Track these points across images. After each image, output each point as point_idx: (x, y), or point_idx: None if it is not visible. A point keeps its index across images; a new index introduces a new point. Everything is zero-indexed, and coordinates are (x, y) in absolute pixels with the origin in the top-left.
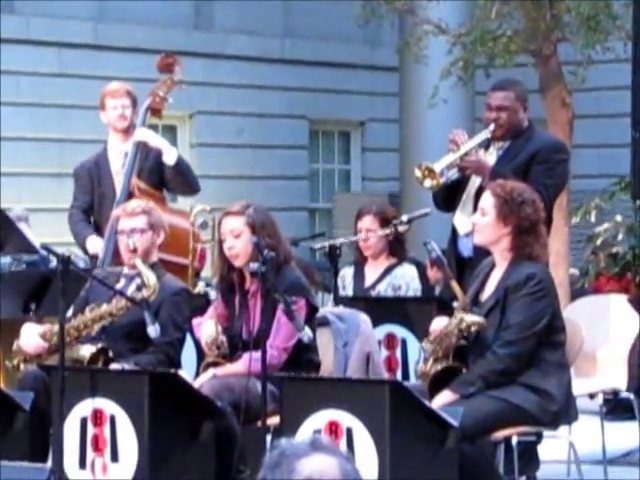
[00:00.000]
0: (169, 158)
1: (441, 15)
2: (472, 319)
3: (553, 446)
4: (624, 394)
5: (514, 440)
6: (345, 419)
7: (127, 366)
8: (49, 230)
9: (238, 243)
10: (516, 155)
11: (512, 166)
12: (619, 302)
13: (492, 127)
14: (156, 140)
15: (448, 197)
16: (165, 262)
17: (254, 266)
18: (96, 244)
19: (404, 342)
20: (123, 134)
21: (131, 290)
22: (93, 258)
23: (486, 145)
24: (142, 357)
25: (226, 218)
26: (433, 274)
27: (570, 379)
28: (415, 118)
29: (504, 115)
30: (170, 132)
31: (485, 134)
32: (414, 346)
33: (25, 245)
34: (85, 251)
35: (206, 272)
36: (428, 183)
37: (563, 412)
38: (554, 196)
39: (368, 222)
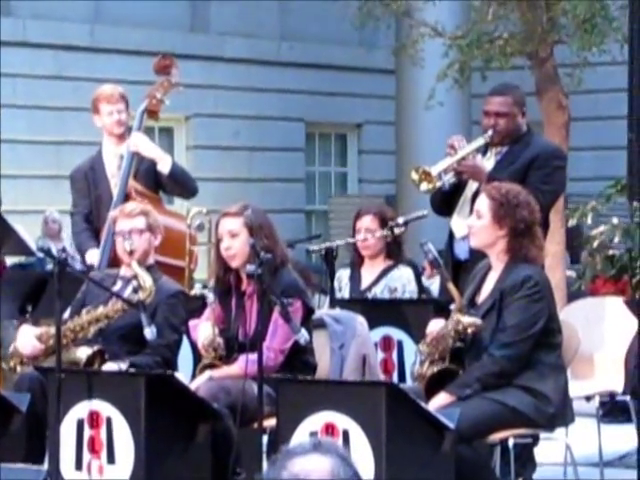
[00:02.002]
0: (163, 167)
1: (437, 17)
2: (469, 321)
3: (549, 448)
4: (620, 397)
5: (510, 442)
6: (341, 421)
7: (123, 366)
8: None
9: (235, 244)
10: (514, 161)
11: (510, 171)
12: (615, 304)
13: (490, 133)
14: (149, 150)
15: (445, 202)
16: (161, 264)
17: (251, 268)
18: (96, 258)
19: (400, 344)
20: (118, 137)
21: (128, 292)
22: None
23: (484, 150)
24: (138, 359)
25: (224, 219)
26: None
27: (566, 381)
28: (411, 120)
29: (502, 121)
30: (167, 134)
31: (482, 140)
32: (410, 348)
33: (22, 247)
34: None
35: (200, 274)
36: (424, 186)
37: (559, 414)
38: (551, 202)
39: (368, 222)
